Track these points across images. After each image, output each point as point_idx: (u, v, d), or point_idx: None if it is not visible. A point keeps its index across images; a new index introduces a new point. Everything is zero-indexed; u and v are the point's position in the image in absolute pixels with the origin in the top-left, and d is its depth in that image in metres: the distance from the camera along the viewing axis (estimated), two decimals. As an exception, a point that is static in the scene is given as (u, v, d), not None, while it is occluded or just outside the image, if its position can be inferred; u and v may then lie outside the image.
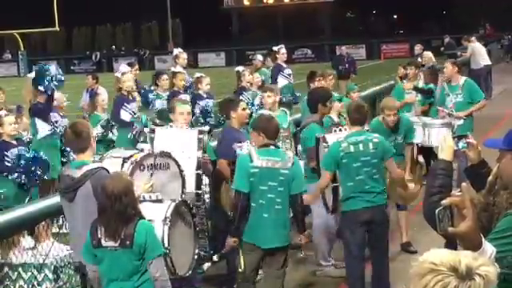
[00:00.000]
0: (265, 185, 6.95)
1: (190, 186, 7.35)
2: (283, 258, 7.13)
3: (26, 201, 8.31)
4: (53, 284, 7.27)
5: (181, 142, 7.77)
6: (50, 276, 7.30)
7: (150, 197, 6.49)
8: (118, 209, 5.70)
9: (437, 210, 3.24)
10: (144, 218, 5.86)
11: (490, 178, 4.00)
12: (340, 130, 8.36)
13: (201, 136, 7.80)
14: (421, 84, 13.13)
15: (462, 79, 12.31)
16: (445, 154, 4.42)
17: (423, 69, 16.41)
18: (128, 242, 5.68)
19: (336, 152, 7.68)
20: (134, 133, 11.03)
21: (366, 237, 7.72)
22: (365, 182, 7.62)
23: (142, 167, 6.89)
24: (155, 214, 6.37)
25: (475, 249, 3.07)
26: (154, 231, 5.91)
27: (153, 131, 7.98)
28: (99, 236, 5.74)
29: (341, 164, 7.66)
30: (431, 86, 13.40)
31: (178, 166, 7.17)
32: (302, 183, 7.21)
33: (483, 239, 3.19)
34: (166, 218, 6.43)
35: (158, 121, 11.49)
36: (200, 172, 7.57)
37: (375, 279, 7.83)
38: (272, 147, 7.13)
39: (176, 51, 14.20)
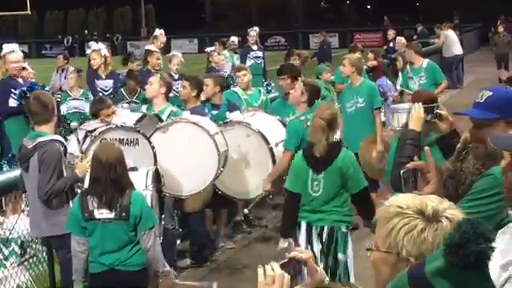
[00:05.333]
0: None
1: None
2: None
3: None
4: (19, 258, 7.18)
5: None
6: (17, 250, 7.22)
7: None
8: (113, 178, 5.59)
9: (401, 171, 3.27)
10: (135, 189, 5.78)
11: (459, 145, 4.01)
12: None
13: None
14: None
15: (425, 61, 12.34)
16: (414, 124, 4.45)
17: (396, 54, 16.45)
18: (124, 214, 5.57)
19: None
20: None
21: None
22: None
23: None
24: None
25: None
26: (147, 202, 5.85)
27: None
28: (91, 208, 5.60)
29: None
30: None
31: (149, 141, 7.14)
32: None
33: None
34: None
35: None
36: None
37: None
38: None
39: (157, 32, 13.99)
